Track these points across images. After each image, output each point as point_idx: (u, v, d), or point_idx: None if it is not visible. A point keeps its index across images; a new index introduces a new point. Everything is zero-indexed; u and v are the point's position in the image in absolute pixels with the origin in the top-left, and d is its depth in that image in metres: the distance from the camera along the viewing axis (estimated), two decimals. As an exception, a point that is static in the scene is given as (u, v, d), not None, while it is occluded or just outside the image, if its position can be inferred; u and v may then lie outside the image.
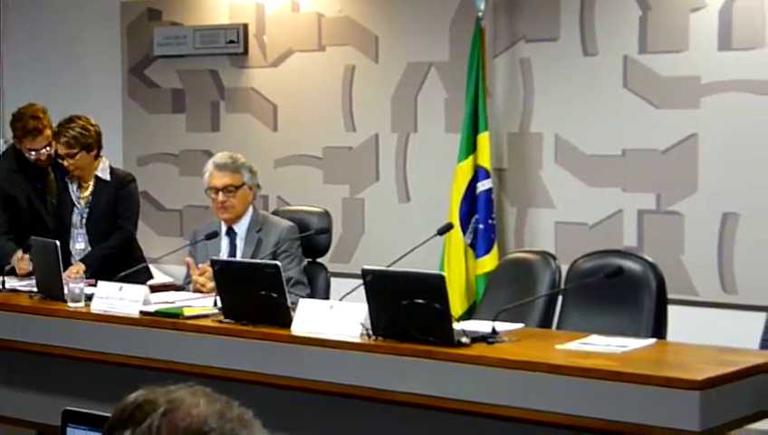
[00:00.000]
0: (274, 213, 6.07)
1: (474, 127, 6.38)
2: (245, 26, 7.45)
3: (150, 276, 6.24)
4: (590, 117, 6.29)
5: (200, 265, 5.47)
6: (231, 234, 5.63)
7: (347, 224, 7.07)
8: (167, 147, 7.86)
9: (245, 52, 7.47)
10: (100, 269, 5.77)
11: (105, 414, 2.26)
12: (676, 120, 6.05)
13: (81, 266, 5.88)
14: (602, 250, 5.17)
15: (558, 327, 4.95)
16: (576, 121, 6.34)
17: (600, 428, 3.85)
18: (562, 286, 5.06)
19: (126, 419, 1.60)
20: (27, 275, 5.85)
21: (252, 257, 5.45)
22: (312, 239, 5.69)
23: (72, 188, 6.12)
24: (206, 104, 7.69)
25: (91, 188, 6.09)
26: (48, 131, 6.17)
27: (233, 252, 5.59)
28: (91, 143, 5.99)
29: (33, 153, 6.21)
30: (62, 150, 5.97)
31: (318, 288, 5.66)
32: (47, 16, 8.32)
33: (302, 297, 5.02)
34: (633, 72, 6.16)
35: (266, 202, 7.18)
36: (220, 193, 5.53)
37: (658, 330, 4.76)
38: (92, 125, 6.03)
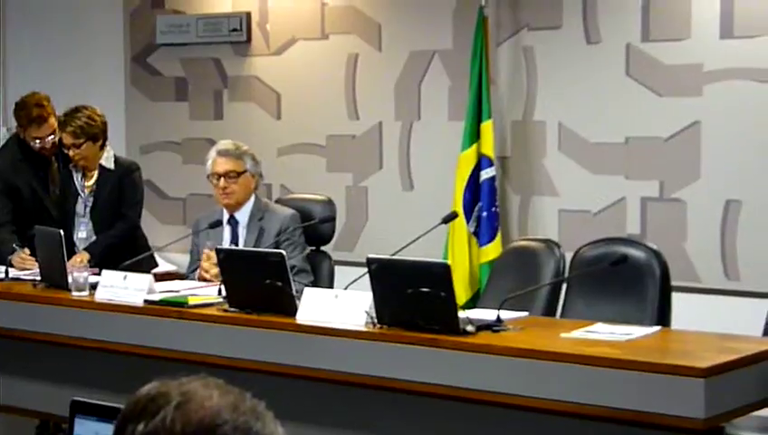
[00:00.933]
0: (278, 201, 6.08)
1: (477, 115, 6.38)
2: (248, 15, 7.45)
3: (155, 265, 6.25)
4: (594, 105, 6.29)
5: (205, 251, 5.49)
6: (233, 222, 5.63)
7: (350, 212, 7.07)
8: (170, 135, 7.86)
9: (248, 40, 7.47)
10: (104, 258, 5.78)
11: (113, 405, 2.27)
12: (679, 108, 6.06)
13: (86, 255, 5.89)
14: (606, 238, 5.16)
15: (562, 315, 4.96)
16: (579, 109, 6.34)
17: (605, 415, 3.86)
18: (566, 274, 5.06)
19: (139, 411, 1.61)
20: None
21: (254, 246, 5.46)
22: (315, 228, 5.69)
23: (77, 177, 6.12)
24: (209, 93, 7.69)
25: (95, 178, 6.09)
26: (52, 120, 6.17)
27: (235, 240, 5.59)
28: (96, 133, 5.99)
29: (37, 142, 6.20)
30: (67, 140, 5.97)
31: (322, 276, 5.66)
32: (49, 5, 8.31)
33: (306, 285, 5.02)
34: (636, 60, 6.16)
35: (270, 190, 7.19)
36: (222, 179, 5.54)
37: (663, 317, 4.76)
38: (98, 115, 6.04)
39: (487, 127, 6.37)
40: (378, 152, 7.03)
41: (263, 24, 7.43)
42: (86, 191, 6.11)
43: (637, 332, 4.28)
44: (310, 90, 7.27)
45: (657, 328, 4.48)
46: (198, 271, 5.55)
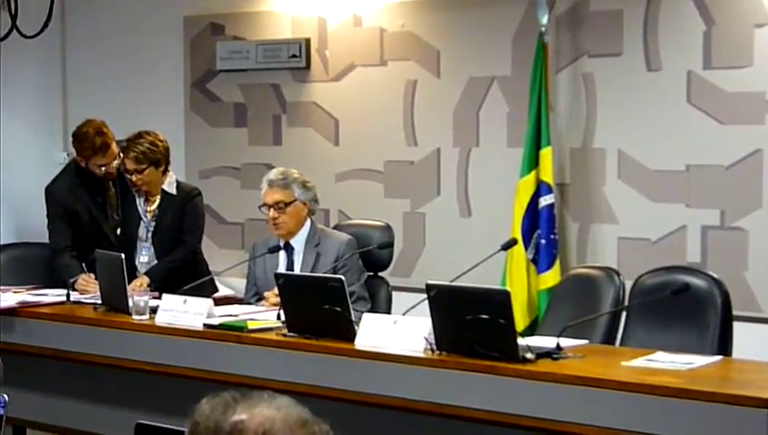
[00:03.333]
0: (336, 227, 6.09)
1: (536, 142, 6.36)
2: (308, 41, 7.48)
3: (216, 289, 6.27)
4: (654, 132, 6.25)
5: (265, 294, 5.53)
6: (288, 248, 5.65)
7: (408, 238, 7.07)
8: (229, 160, 7.90)
9: (307, 66, 7.50)
10: (164, 282, 5.81)
11: (177, 428, 2.28)
12: (741, 136, 6.00)
13: (146, 280, 5.92)
14: (667, 266, 5.13)
15: (622, 343, 4.92)
16: (639, 137, 6.30)
17: (667, 445, 3.83)
18: (626, 302, 5.03)
19: None
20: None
21: (311, 272, 5.47)
22: (373, 253, 5.70)
23: (139, 201, 6.17)
24: (267, 118, 7.72)
25: (157, 202, 6.13)
26: (114, 144, 6.21)
27: (290, 267, 5.61)
28: (159, 159, 6.03)
29: (103, 168, 6.22)
30: (130, 166, 6.01)
31: (380, 302, 5.66)
32: (111, 31, 8.39)
33: (364, 312, 5.02)
34: (697, 87, 6.12)
35: (327, 216, 7.20)
36: (271, 209, 5.56)
37: (724, 347, 4.72)
38: (161, 141, 6.07)
39: (546, 154, 6.34)
40: (436, 178, 7.03)
41: (322, 51, 7.46)
42: (148, 216, 6.15)
43: (698, 361, 4.25)
44: (368, 116, 7.29)
45: (719, 357, 4.44)
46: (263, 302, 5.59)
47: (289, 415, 1.65)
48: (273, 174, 5.65)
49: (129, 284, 5.54)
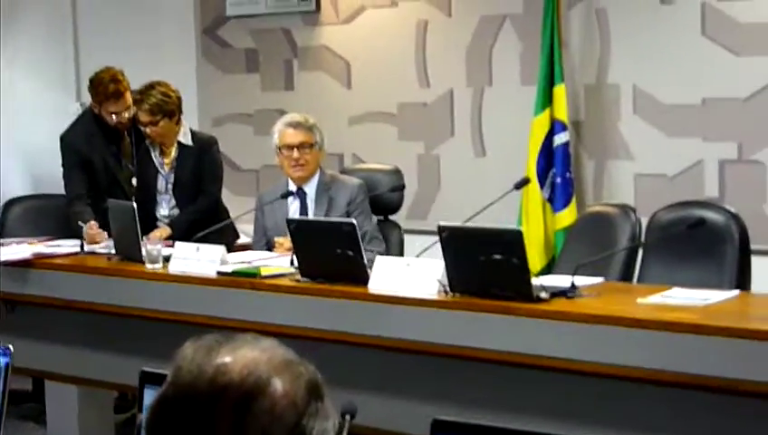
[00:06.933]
0: (343, 172, 6.07)
1: (549, 79, 6.29)
2: (317, -16, 7.42)
3: (237, 236, 6.26)
4: (669, 66, 6.17)
5: (276, 239, 5.51)
6: (301, 194, 5.63)
7: (422, 180, 7.03)
8: (241, 107, 7.86)
9: (318, 9, 7.43)
10: (186, 233, 5.77)
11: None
12: (757, 68, 5.92)
13: (167, 230, 5.92)
14: (683, 201, 5.08)
15: (639, 280, 4.89)
16: (654, 71, 6.22)
17: (684, 381, 3.78)
18: (643, 239, 4.98)
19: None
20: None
21: (324, 217, 5.45)
22: (383, 197, 5.69)
23: (154, 154, 6.14)
24: (279, 63, 7.67)
25: (174, 154, 6.12)
26: (128, 94, 6.18)
27: (304, 212, 5.59)
28: (172, 109, 6.01)
29: (114, 116, 6.20)
30: (144, 119, 5.99)
31: (392, 246, 5.65)
32: (120, -21, 8.34)
33: (380, 252, 5.01)
34: (712, 19, 6.03)
35: (341, 160, 7.16)
36: (295, 150, 5.54)
37: (742, 281, 4.68)
38: (173, 91, 6.05)
39: (560, 91, 6.28)
40: (449, 119, 6.97)
41: (331, -7, 7.39)
42: (166, 168, 6.14)
43: (715, 296, 4.20)
44: (380, 58, 7.23)
45: (736, 292, 4.39)
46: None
47: (274, 356, 1.61)
48: (293, 117, 5.66)
49: (147, 235, 5.51)
